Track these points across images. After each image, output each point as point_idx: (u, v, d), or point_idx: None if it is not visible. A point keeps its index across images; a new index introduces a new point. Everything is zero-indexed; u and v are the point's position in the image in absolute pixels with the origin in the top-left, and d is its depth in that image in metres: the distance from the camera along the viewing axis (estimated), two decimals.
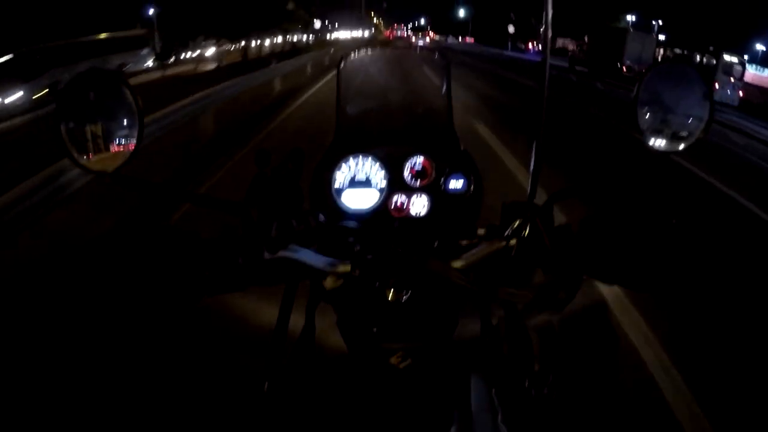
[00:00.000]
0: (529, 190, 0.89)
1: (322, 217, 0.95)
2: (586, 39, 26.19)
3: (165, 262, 0.79)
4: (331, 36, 49.64)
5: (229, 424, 1.91)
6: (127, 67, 14.99)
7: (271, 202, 0.87)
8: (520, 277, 0.85)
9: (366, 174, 1.09)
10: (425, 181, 1.09)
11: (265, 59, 18.69)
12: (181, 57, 19.21)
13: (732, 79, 17.99)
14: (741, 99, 18.06)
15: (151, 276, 0.78)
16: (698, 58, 18.85)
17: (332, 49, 21.69)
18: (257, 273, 0.82)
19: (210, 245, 0.82)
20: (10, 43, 11.96)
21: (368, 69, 1.13)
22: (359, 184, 1.09)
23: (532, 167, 0.90)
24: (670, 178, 5.32)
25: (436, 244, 0.90)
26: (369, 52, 1.13)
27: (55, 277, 2.76)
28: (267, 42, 26.80)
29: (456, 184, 1.09)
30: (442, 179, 1.09)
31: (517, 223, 0.86)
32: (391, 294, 0.82)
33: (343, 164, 1.09)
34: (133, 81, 0.96)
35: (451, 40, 69.86)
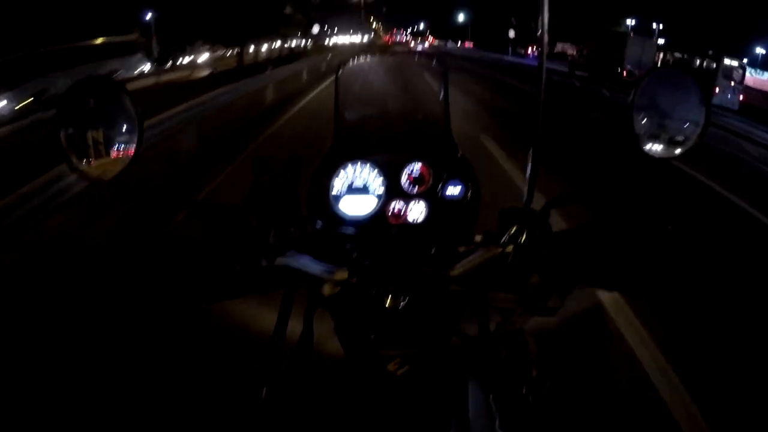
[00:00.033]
0: (525, 197, 0.90)
1: (319, 224, 0.95)
2: (587, 43, 26.18)
3: (163, 268, 0.80)
4: (329, 41, 49.76)
5: (228, 430, 1.91)
6: (118, 74, 14.49)
7: (268, 210, 0.88)
8: (517, 283, 0.86)
9: (364, 180, 1.10)
10: (423, 188, 1.10)
11: (261, 65, 18.21)
12: (178, 63, 18.94)
13: (732, 83, 18.02)
14: (741, 103, 18.08)
15: (149, 282, 0.79)
16: (698, 62, 18.89)
17: (330, 55, 21.39)
18: (255, 280, 0.83)
19: (208, 252, 0.82)
20: (2, 48, 11.42)
21: (366, 76, 1.14)
22: (357, 191, 1.10)
23: (528, 173, 0.91)
24: (667, 184, 5.31)
25: (433, 251, 0.90)
26: (367, 59, 1.14)
27: (48, 285, 2.76)
28: (264, 47, 26.68)
29: (453, 190, 1.10)
30: (440, 186, 1.10)
31: (513, 229, 0.87)
32: (388, 301, 0.83)
33: (341, 171, 1.09)
34: None
35: (450, 44, 69.99)
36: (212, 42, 20.23)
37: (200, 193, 4.85)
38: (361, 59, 1.14)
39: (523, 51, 45.77)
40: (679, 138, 0.98)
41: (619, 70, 22.00)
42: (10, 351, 2.30)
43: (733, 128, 12.51)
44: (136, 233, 3.38)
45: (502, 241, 0.87)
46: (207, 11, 17.69)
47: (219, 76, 15.10)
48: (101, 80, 0.93)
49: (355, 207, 1.09)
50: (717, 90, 17.66)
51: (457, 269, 0.86)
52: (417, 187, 1.10)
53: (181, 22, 17.65)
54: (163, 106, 6.40)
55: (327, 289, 0.85)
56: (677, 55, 20.85)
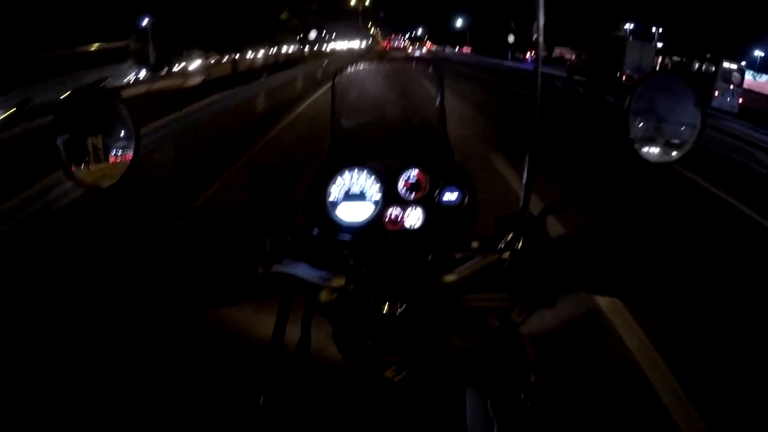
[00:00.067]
0: (522, 203, 0.91)
1: (316, 231, 0.96)
2: (586, 48, 26.23)
3: (160, 276, 0.80)
4: (327, 47, 49.90)
5: None
6: (106, 82, 13.95)
7: (265, 217, 0.89)
8: (514, 289, 0.86)
9: (361, 187, 1.11)
10: (420, 194, 1.11)
11: (256, 72, 17.85)
12: (171, 70, 18.60)
13: (731, 86, 18.08)
14: (740, 106, 18.14)
15: (146, 289, 0.80)
16: (697, 65, 18.95)
17: (326, 61, 20.91)
18: (252, 287, 0.84)
19: (205, 259, 0.83)
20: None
21: (362, 82, 1.15)
22: (354, 198, 1.10)
23: (524, 180, 0.91)
24: (665, 189, 5.31)
25: (430, 257, 0.91)
26: (363, 66, 1.15)
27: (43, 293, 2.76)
28: (260, 53, 26.52)
29: (450, 196, 1.10)
30: (437, 192, 1.10)
31: (510, 236, 0.87)
32: (385, 307, 0.83)
33: (338, 177, 1.10)
34: None
35: (448, 50, 70.32)
36: (206, 48, 19.87)
37: (197, 200, 4.85)
38: (357, 66, 1.15)
39: (521, 56, 45.95)
40: (676, 141, 0.98)
41: (618, 75, 22.06)
42: (8, 360, 2.31)
43: (742, 135, 12.34)
44: (132, 241, 3.39)
45: (498, 247, 0.87)
46: (202, 17, 17.56)
47: (211, 85, 14.56)
48: (96, 89, 0.95)
49: (352, 213, 1.10)
50: (716, 93, 17.73)
51: (454, 275, 0.86)
52: (414, 193, 1.11)
53: (177, 28, 17.51)
54: (142, 118, 6.21)
55: (324, 296, 0.86)
56: (675, 58, 20.90)
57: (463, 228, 1.09)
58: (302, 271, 0.85)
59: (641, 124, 1.00)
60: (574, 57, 28.37)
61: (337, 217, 1.09)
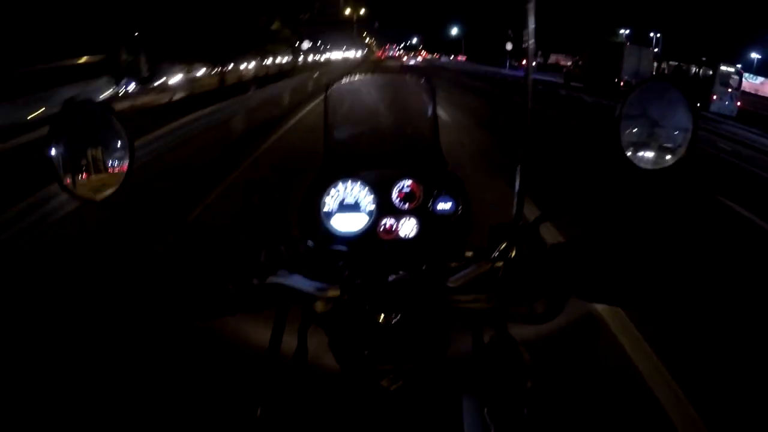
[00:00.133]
0: (514, 212, 0.92)
1: (311, 242, 0.97)
2: (583, 54, 26.32)
3: (155, 288, 0.82)
4: (321, 57, 50.08)
5: None
6: (78, 100, 13.44)
7: (259, 229, 0.90)
8: (508, 298, 0.88)
9: (355, 198, 1.12)
10: (413, 204, 1.12)
11: (245, 84, 16.85)
12: (154, 85, 17.59)
13: (729, 90, 18.19)
14: (739, 109, 18.25)
15: (142, 301, 0.81)
16: (694, 69, 19.07)
17: (317, 73, 20.04)
18: (247, 298, 0.85)
19: (200, 271, 0.84)
20: None
21: (355, 94, 1.17)
22: (348, 208, 1.12)
23: (516, 189, 0.93)
24: (658, 195, 5.30)
25: (424, 267, 0.92)
26: (355, 78, 1.17)
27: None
28: (251, 65, 26.32)
29: (444, 206, 1.12)
30: (431, 201, 1.12)
31: (503, 245, 0.89)
32: (381, 317, 0.85)
33: (332, 188, 1.12)
34: None
35: (444, 58, 70.91)
36: (189, 61, 19.31)
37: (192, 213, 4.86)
38: (350, 78, 1.17)
39: (517, 63, 46.27)
40: (669, 145, 1.00)
41: (616, 81, 22.15)
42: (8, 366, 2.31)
43: (754, 143, 12.25)
44: (127, 253, 3.40)
45: (492, 256, 0.89)
46: (189, 28, 17.27)
47: (191, 100, 13.44)
48: (89, 102, 0.97)
49: (347, 224, 1.12)
50: (714, 97, 17.83)
51: (449, 285, 0.88)
52: (408, 203, 1.12)
53: (166, 40, 17.26)
54: None
55: (320, 306, 0.87)
56: (672, 63, 21.03)
57: (457, 237, 1.11)
58: (297, 282, 0.86)
59: (634, 130, 1.02)
60: (570, 63, 28.52)
61: (331, 227, 1.11)
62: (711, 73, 18.19)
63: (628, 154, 0.98)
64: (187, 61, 18.73)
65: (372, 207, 1.12)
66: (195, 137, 6.77)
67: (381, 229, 1.12)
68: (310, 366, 0.95)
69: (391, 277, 0.88)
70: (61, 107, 0.93)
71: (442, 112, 10.70)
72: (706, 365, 2.63)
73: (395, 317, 0.85)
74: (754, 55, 29.41)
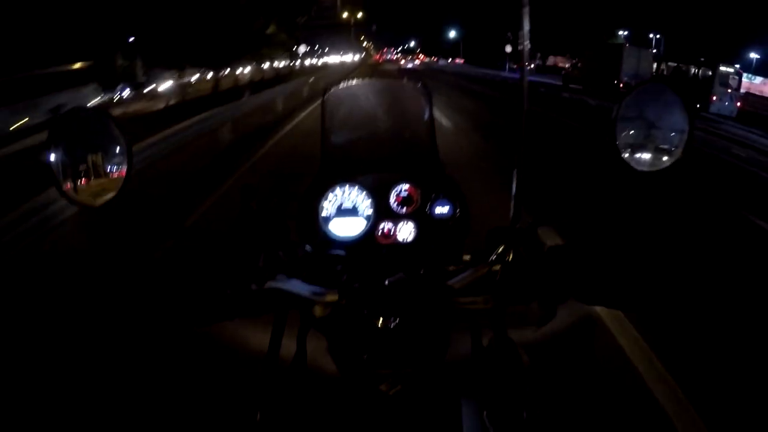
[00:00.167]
0: (511, 216, 0.93)
1: (309, 247, 0.98)
2: (583, 55, 26.30)
3: (154, 293, 0.82)
4: (319, 61, 50.16)
5: None
6: (66, 108, 12.77)
7: (257, 235, 0.91)
8: (507, 301, 0.89)
9: (353, 202, 1.13)
10: (411, 208, 1.13)
11: (239, 89, 16.43)
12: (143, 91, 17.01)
13: (729, 91, 18.23)
14: (739, 110, 18.29)
15: (140, 307, 0.82)
16: (693, 70, 19.11)
17: (312, 78, 19.58)
18: (245, 303, 0.86)
19: (198, 276, 0.85)
20: None
21: (352, 98, 1.18)
22: (346, 213, 1.13)
23: (513, 193, 0.94)
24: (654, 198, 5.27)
25: (422, 271, 0.93)
26: (352, 82, 1.19)
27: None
28: (247, 69, 26.11)
29: (442, 209, 1.13)
30: (428, 205, 1.13)
31: (501, 248, 0.90)
32: (379, 322, 0.86)
33: (330, 193, 1.13)
34: None
35: (442, 62, 71.17)
36: (180, 66, 18.86)
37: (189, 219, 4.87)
38: (347, 83, 1.18)
39: (515, 66, 46.35)
40: (666, 146, 1.02)
41: (615, 82, 22.16)
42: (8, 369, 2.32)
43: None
44: (125, 259, 3.41)
45: (490, 259, 0.90)
46: (182, 33, 17.04)
47: (184, 107, 13.07)
48: (88, 108, 0.99)
49: (345, 228, 1.13)
50: (714, 98, 17.87)
51: (447, 289, 0.89)
52: (405, 207, 1.14)
53: (161, 47, 17.06)
54: None
55: (318, 311, 0.88)
56: (671, 64, 21.07)
57: (455, 241, 1.12)
58: (296, 287, 0.87)
59: (630, 132, 1.03)
60: (568, 66, 28.54)
61: (329, 232, 1.12)
62: (710, 73, 18.23)
63: (626, 155, 0.99)
64: (182, 66, 18.43)
65: (370, 211, 1.13)
66: (188, 144, 6.74)
67: (379, 233, 1.13)
68: (309, 370, 0.96)
69: (389, 282, 0.89)
70: (61, 114, 0.94)
71: (442, 117, 10.75)
72: (706, 366, 2.64)
73: (394, 321, 0.85)
74: (753, 55, 29.52)
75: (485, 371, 0.95)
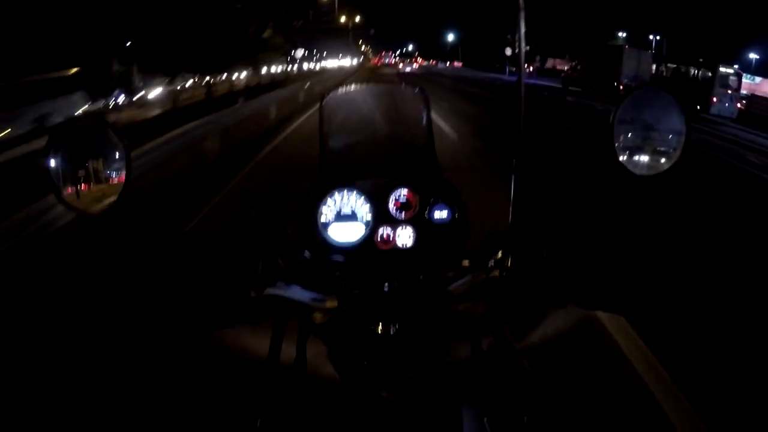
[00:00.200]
0: (510, 221, 0.94)
1: (308, 253, 0.99)
2: (582, 58, 26.26)
3: (152, 300, 0.83)
4: (317, 65, 50.22)
5: None
6: (52, 118, 11.33)
7: (256, 242, 0.92)
8: (505, 306, 0.89)
9: (351, 208, 1.14)
10: (410, 213, 1.14)
11: (234, 95, 16.13)
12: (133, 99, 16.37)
13: (729, 92, 18.26)
14: (739, 111, 18.32)
15: (140, 314, 0.82)
16: (693, 71, 19.14)
17: (308, 83, 18.69)
18: (245, 310, 0.86)
19: (196, 284, 0.86)
20: None
21: (350, 103, 1.19)
22: (345, 218, 1.14)
23: (511, 198, 0.95)
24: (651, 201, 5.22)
25: (421, 277, 0.94)
26: (350, 87, 1.19)
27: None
28: (243, 75, 25.91)
29: (440, 214, 1.14)
30: (427, 210, 1.14)
31: (499, 254, 0.90)
32: (379, 327, 0.86)
33: (328, 198, 1.14)
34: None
35: (441, 65, 71.42)
36: (177, 72, 17.91)
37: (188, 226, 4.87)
38: (345, 88, 1.19)
39: (515, 69, 46.33)
40: (663, 148, 1.03)
41: (615, 85, 22.18)
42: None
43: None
44: (124, 266, 3.41)
45: (489, 265, 0.91)
46: (175, 38, 16.82)
47: (172, 115, 12.80)
48: (87, 115, 1.00)
49: (344, 234, 1.13)
50: (714, 99, 17.89)
51: (446, 294, 0.89)
52: (404, 212, 1.14)
53: (156, 53, 16.87)
54: None
55: (318, 318, 0.89)
56: (671, 65, 21.10)
57: (454, 246, 1.13)
58: (295, 293, 0.88)
59: (629, 135, 1.04)
60: (567, 68, 28.54)
61: (328, 237, 1.13)
62: (710, 75, 18.25)
63: (624, 159, 1.01)
64: (176, 72, 18.23)
65: (369, 216, 1.14)
66: (173, 157, 6.10)
67: (378, 238, 1.14)
68: (310, 376, 0.96)
69: (389, 288, 0.89)
70: (61, 122, 0.95)
71: (444, 124, 10.65)
72: (708, 370, 2.64)
73: (394, 327, 0.86)
74: (753, 56, 29.62)
75: (486, 376, 0.96)
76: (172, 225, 4.47)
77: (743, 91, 19.62)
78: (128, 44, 16.30)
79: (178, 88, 19.03)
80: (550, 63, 43.34)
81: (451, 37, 74.23)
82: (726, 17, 29.35)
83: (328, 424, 0.91)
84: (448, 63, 72.85)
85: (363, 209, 1.14)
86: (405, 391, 0.88)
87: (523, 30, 1.12)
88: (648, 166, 1.03)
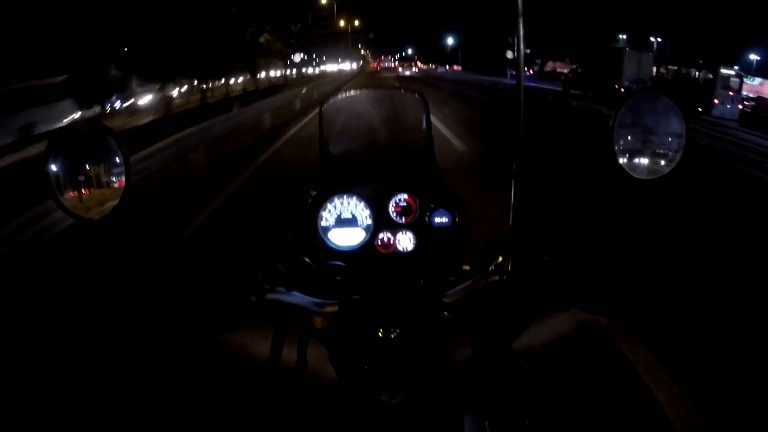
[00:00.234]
0: (511, 226, 0.95)
1: (308, 258, 1.00)
2: (582, 61, 26.23)
3: (152, 306, 0.84)
4: (316, 69, 50.31)
5: None
6: (38, 127, 11.45)
7: (256, 248, 0.93)
8: (506, 310, 0.90)
9: (351, 212, 1.15)
10: (410, 218, 1.15)
11: (229, 101, 15.26)
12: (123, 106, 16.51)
13: (731, 93, 18.27)
14: (742, 112, 18.32)
15: (139, 320, 0.83)
16: (694, 73, 19.16)
17: (304, 89, 18.15)
18: (246, 315, 0.87)
19: (197, 289, 0.86)
20: None
21: (349, 109, 1.20)
22: (345, 223, 1.15)
23: (512, 203, 0.96)
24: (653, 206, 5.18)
25: (422, 281, 0.95)
26: (349, 93, 1.21)
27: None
28: (239, 80, 25.70)
29: (440, 219, 1.15)
30: (427, 215, 1.15)
31: (500, 258, 0.91)
32: (380, 332, 0.87)
33: (329, 204, 1.15)
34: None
35: (441, 69, 71.66)
36: (163, 79, 17.33)
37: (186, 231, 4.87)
38: (344, 93, 1.20)
39: (514, 72, 46.36)
40: (663, 151, 1.04)
41: (616, 87, 22.15)
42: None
43: None
44: (123, 272, 3.42)
45: (489, 270, 0.91)
46: (170, 44, 16.63)
47: (163, 123, 12.63)
48: (86, 121, 1.01)
49: (344, 238, 1.14)
50: (716, 101, 17.90)
51: (447, 299, 0.90)
52: (404, 217, 1.15)
53: (152, 59, 16.68)
54: None
55: (319, 322, 0.89)
56: (672, 67, 21.11)
57: (454, 250, 1.13)
58: (295, 298, 0.89)
59: (629, 138, 1.05)
60: (568, 71, 28.53)
61: (329, 242, 1.13)
62: (711, 76, 18.27)
63: (624, 161, 1.01)
64: (170, 79, 18.00)
65: (369, 221, 1.15)
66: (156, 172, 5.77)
67: (378, 243, 1.14)
68: (310, 380, 0.97)
69: (389, 292, 0.90)
70: (59, 128, 0.96)
71: (446, 131, 10.56)
72: (710, 373, 2.63)
73: (394, 332, 0.87)
74: (753, 57, 29.68)
75: (487, 380, 0.96)
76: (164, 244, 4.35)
77: (746, 93, 19.63)
78: (125, 50, 16.24)
79: (174, 94, 19.03)
80: (550, 66, 43.39)
81: (450, 40, 74.43)
82: (726, 18, 29.42)
83: (328, 428, 0.91)
84: (447, 67, 73.03)
85: (363, 214, 1.15)
86: (406, 395, 0.88)
87: (521, 35, 1.13)
88: (648, 169, 1.04)
